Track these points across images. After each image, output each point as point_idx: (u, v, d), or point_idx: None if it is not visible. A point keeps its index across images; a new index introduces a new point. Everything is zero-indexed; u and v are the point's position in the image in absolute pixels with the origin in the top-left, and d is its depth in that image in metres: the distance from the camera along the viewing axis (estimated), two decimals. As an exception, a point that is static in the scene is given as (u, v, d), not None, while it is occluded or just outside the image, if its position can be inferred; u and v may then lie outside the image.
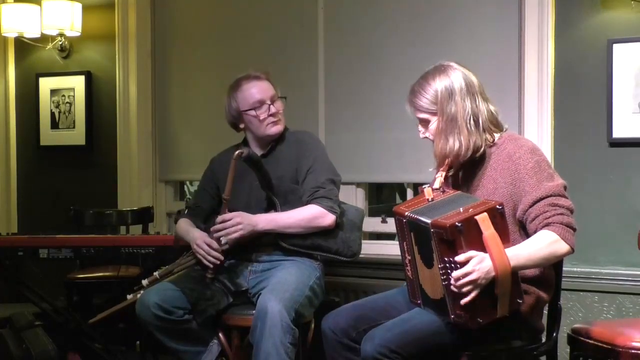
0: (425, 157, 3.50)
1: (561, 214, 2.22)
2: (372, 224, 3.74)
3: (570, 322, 3.03)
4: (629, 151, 3.15)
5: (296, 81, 3.81)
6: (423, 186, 2.38)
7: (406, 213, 2.25)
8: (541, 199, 2.23)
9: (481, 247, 2.09)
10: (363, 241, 3.05)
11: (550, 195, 2.24)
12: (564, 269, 2.48)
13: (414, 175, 3.64)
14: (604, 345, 2.33)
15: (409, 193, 3.82)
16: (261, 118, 2.95)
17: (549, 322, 2.46)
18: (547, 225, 2.21)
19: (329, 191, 2.91)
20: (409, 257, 2.31)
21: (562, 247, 2.20)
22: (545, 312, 2.45)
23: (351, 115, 3.76)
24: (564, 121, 3.26)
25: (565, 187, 2.29)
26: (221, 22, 4.11)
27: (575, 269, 3.15)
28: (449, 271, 2.10)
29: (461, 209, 2.11)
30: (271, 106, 2.96)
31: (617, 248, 3.15)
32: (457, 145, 2.31)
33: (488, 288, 2.10)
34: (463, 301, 2.09)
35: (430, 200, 2.27)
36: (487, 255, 2.08)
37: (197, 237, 2.86)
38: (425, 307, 2.31)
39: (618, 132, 3.14)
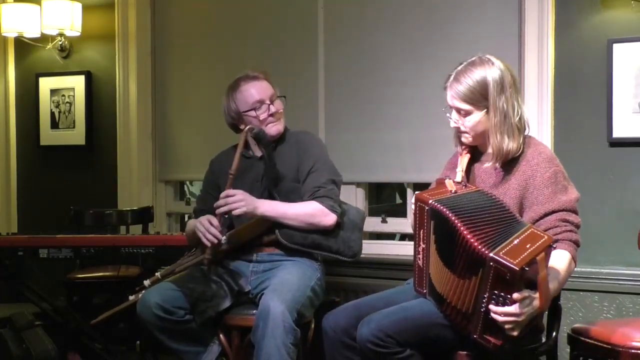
0: (425, 157, 3.53)
1: (570, 230, 2.25)
2: (372, 224, 3.74)
3: (570, 322, 3.03)
4: (629, 151, 3.15)
5: (296, 81, 3.81)
6: (443, 178, 2.34)
7: (430, 201, 2.19)
8: (553, 212, 2.25)
9: (529, 282, 2.06)
10: (363, 241, 3.05)
11: (562, 210, 2.25)
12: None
13: (414, 175, 3.64)
14: (604, 345, 2.33)
15: (409, 193, 3.82)
16: (261, 118, 2.94)
17: (549, 322, 2.46)
18: (556, 241, 2.22)
19: (330, 191, 2.90)
20: (423, 246, 2.28)
21: (573, 266, 2.26)
22: (546, 311, 2.45)
23: (351, 115, 3.76)
24: (564, 121, 3.26)
25: (577, 200, 2.30)
26: (221, 22, 4.11)
27: (575, 269, 3.14)
28: (494, 302, 2.05)
29: (516, 240, 2.07)
30: (271, 106, 2.96)
31: (617, 248, 3.15)
32: (511, 145, 2.30)
33: None
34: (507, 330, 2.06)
35: (453, 192, 2.24)
36: (536, 297, 2.06)
37: (202, 217, 2.85)
38: (429, 297, 2.30)
39: (618, 132, 3.14)
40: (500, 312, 2.04)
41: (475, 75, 2.29)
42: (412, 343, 2.20)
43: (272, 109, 2.96)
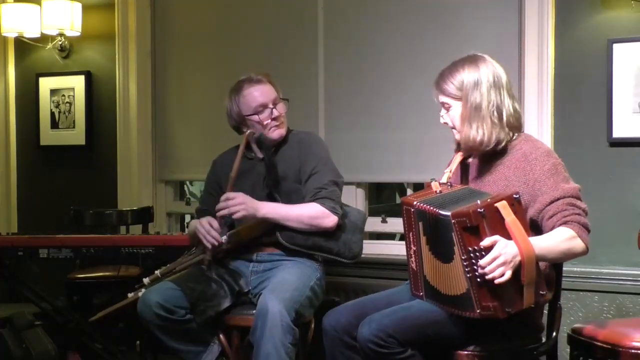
0: (425, 157, 3.53)
1: (578, 214, 2.26)
2: (372, 224, 3.74)
3: (570, 322, 3.03)
4: (629, 151, 3.15)
5: (296, 81, 3.81)
6: (430, 180, 2.39)
7: (415, 202, 2.26)
8: (559, 198, 2.26)
9: (504, 234, 2.10)
10: (363, 241, 3.05)
11: (568, 196, 2.26)
12: (564, 268, 2.48)
13: (414, 175, 3.65)
14: (604, 345, 2.34)
15: (409, 193, 3.82)
16: (264, 123, 2.94)
17: (549, 322, 2.46)
18: (564, 223, 2.23)
19: (331, 192, 2.90)
20: (414, 248, 2.31)
21: (579, 245, 2.24)
22: (545, 312, 2.45)
23: (351, 115, 3.76)
24: (564, 121, 3.27)
25: (579, 191, 2.31)
26: (221, 22, 4.11)
27: (575, 269, 3.15)
28: (474, 261, 2.09)
29: (478, 201, 2.12)
30: (274, 110, 2.95)
31: (617, 248, 3.15)
32: (479, 134, 2.34)
33: (514, 277, 2.10)
34: (497, 281, 2.07)
35: (438, 192, 2.28)
36: (511, 241, 2.09)
37: (202, 219, 2.87)
38: (427, 299, 2.31)
39: (618, 132, 3.14)
40: (482, 264, 2.07)
41: (454, 71, 2.40)
42: (413, 342, 2.21)
43: (275, 112, 2.96)
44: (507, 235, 2.10)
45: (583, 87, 3.23)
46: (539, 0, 3.27)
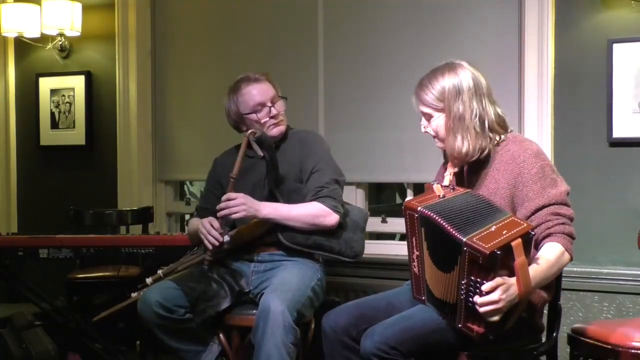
0: (425, 157, 3.53)
1: (562, 223, 2.24)
2: (372, 224, 3.74)
3: (570, 322, 3.03)
4: (629, 151, 3.15)
5: (296, 81, 3.81)
6: (431, 183, 2.36)
7: (418, 208, 2.22)
8: (543, 207, 2.24)
9: (509, 270, 2.06)
10: (364, 240, 3.05)
11: (553, 204, 2.25)
12: (564, 268, 2.48)
13: (414, 175, 3.65)
14: (604, 345, 2.33)
15: (409, 193, 3.82)
16: (262, 121, 2.94)
17: (549, 322, 2.46)
18: (548, 235, 2.23)
19: (333, 191, 2.90)
20: (417, 253, 2.29)
21: (567, 258, 2.24)
22: (545, 312, 2.45)
23: (351, 115, 3.76)
24: (564, 121, 3.27)
25: (568, 193, 2.30)
26: (221, 22, 4.11)
27: (575, 269, 3.15)
28: (471, 289, 2.06)
29: (493, 227, 2.08)
30: (272, 108, 2.96)
31: (617, 248, 3.16)
32: (465, 145, 2.32)
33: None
34: (487, 317, 2.06)
35: (441, 196, 2.25)
36: (513, 282, 2.05)
37: (204, 219, 2.87)
38: (428, 303, 2.30)
39: (618, 132, 3.14)
40: (479, 302, 2.04)
41: (434, 81, 2.35)
42: (415, 352, 2.19)
43: (274, 111, 2.96)
44: (512, 271, 2.06)
45: (583, 87, 3.23)
46: (539, 0, 3.27)
